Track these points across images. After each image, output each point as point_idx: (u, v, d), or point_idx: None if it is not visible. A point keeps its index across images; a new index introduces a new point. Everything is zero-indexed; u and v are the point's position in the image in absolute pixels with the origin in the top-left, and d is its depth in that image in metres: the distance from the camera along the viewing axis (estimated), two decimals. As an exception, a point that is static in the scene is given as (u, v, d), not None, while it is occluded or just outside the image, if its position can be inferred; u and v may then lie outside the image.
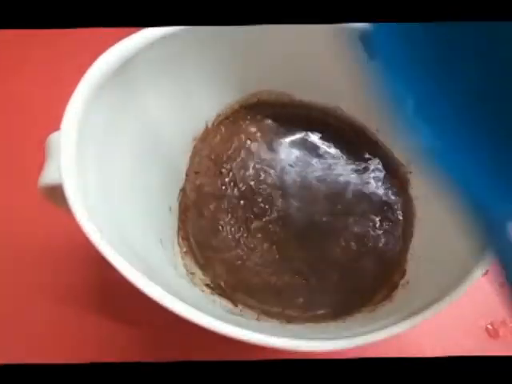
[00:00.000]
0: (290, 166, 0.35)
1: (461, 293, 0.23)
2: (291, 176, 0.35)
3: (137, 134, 0.28)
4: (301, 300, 0.31)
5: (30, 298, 0.35)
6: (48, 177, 0.24)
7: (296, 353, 0.22)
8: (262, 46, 0.30)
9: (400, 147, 0.34)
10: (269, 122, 0.36)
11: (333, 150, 0.36)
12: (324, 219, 0.34)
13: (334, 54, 0.30)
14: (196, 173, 0.35)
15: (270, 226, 0.33)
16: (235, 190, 0.34)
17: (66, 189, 0.22)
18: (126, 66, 0.26)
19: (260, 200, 0.34)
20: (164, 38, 0.26)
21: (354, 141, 0.36)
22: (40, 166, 0.25)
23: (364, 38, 0.27)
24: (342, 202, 0.34)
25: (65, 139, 0.23)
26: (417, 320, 0.23)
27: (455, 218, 0.28)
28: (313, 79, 0.33)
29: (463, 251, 0.25)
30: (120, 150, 0.27)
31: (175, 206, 0.33)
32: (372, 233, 0.33)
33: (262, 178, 0.35)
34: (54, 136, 0.25)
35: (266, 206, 0.34)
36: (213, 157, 0.35)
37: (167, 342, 0.34)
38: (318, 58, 0.31)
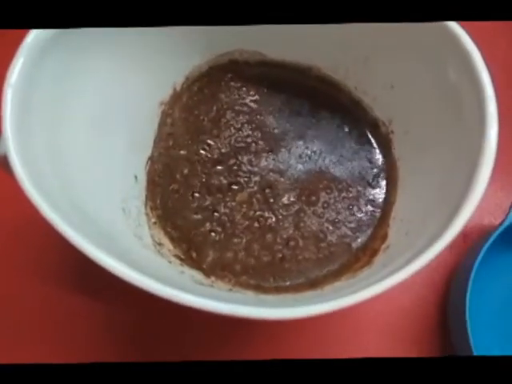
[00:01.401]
0: (273, 129, 0.33)
1: (437, 251, 0.21)
2: (273, 142, 0.33)
3: (92, 97, 0.27)
4: (277, 272, 0.30)
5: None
6: (2, 145, 0.23)
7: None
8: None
9: (380, 105, 0.32)
10: (243, 83, 0.34)
11: (312, 111, 0.34)
12: (303, 188, 0.32)
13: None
14: (169, 134, 0.33)
15: (249, 197, 0.31)
16: (214, 153, 0.32)
17: (10, 159, 0.21)
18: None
19: (241, 167, 0.32)
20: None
21: (332, 100, 0.34)
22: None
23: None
24: (323, 169, 0.32)
25: (6, 108, 0.21)
26: (394, 279, 0.21)
27: (437, 174, 0.27)
28: (286, 37, 0.31)
29: (444, 207, 0.23)
30: (74, 114, 0.25)
31: (142, 174, 0.31)
32: (354, 202, 0.32)
33: (243, 143, 0.33)
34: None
35: (247, 175, 0.32)
36: (191, 119, 0.33)
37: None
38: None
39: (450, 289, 0.35)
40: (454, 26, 0.23)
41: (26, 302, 0.34)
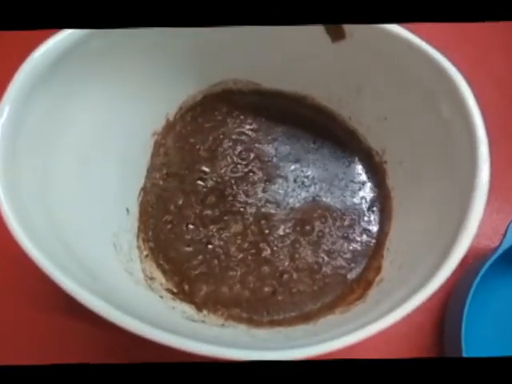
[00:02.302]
0: (272, 158, 0.33)
1: (431, 291, 0.21)
2: (270, 170, 0.33)
3: (83, 132, 0.26)
4: (271, 305, 0.29)
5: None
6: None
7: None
8: (222, 35, 0.28)
9: (374, 135, 0.32)
10: (239, 112, 0.34)
11: (312, 138, 0.33)
12: (298, 218, 0.31)
13: (301, 40, 0.28)
14: (162, 164, 0.32)
15: (244, 228, 0.31)
16: (210, 183, 0.32)
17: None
18: (67, 57, 0.24)
19: (237, 197, 0.32)
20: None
21: (327, 129, 0.33)
22: None
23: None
24: (316, 198, 0.32)
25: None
26: (388, 320, 0.21)
27: (431, 207, 0.27)
28: (280, 67, 0.31)
29: (438, 242, 0.23)
30: (64, 150, 0.25)
31: (134, 206, 0.30)
32: (348, 230, 0.31)
33: (240, 173, 0.32)
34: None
35: (242, 206, 0.32)
36: (186, 148, 0.33)
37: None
38: (284, 45, 0.29)
39: (445, 312, 0.34)
40: (448, 65, 0.23)
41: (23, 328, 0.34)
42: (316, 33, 0.26)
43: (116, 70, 0.27)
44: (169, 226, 0.31)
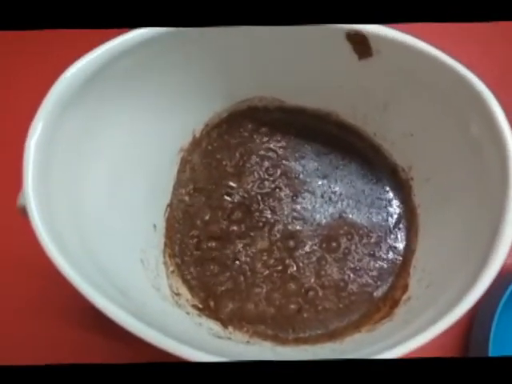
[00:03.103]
0: (299, 175, 0.33)
1: (462, 311, 0.20)
2: (298, 186, 0.33)
3: (113, 150, 0.27)
4: (296, 323, 0.29)
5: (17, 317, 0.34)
6: (22, 198, 0.23)
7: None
8: (249, 52, 0.28)
9: (399, 151, 0.31)
10: (265, 129, 0.34)
11: (332, 158, 0.34)
12: (325, 235, 0.31)
13: (326, 58, 0.28)
14: (189, 180, 0.33)
15: (270, 244, 0.31)
16: (236, 199, 0.32)
17: (29, 211, 0.21)
18: (98, 77, 0.24)
19: (263, 213, 0.32)
20: (141, 43, 0.25)
21: (352, 145, 0.33)
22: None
23: (351, 36, 0.26)
24: (343, 215, 0.32)
25: (28, 163, 0.22)
26: (419, 340, 0.20)
27: (459, 226, 0.26)
28: (305, 84, 0.31)
29: (468, 262, 0.23)
30: (94, 168, 0.26)
31: (161, 222, 0.31)
32: (375, 248, 0.31)
33: (267, 189, 0.33)
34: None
35: (270, 221, 0.32)
36: (213, 164, 0.33)
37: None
38: (310, 63, 0.29)
39: (471, 331, 0.33)
40: (477, 83, 0.23)
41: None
42: (342, 50, 0.26)
43: (144, 90, 0.27)
44: (195, 241, 0.31)
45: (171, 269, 0.30)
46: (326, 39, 0.26)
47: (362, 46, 0.26)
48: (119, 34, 0.24)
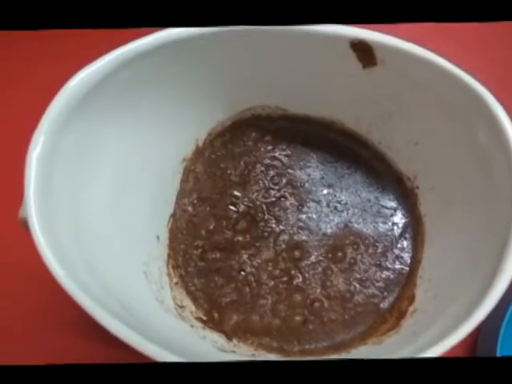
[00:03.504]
0: (304, 183, 0.33)
1: (472, 327, 0.20)
2: (303, 195, 0.32)
3: (116, 160, 0.27)
4: (302, 335, 0.29)
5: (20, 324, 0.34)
6: (24, 211, 0.23)
7: None
8: (251, 61, 0.28)
9: (404, 160, 0.31)
10: (269, 137, 0.34)
11: (337, 166, 0.33)
12: (330, 245, 0.31)
13: (330, 67, 0.28)
14: (192, 190, 0.32)
15: (275, 255, 0.31)
16: (241, 208, 0.32)
17: (30, 225, 0.21)
18: (98, 89, 0.24)
19: (268, 223, 0.32)
20: (140, 55, 0.24)
21: (356, 154, 0.33)
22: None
23: (356, 45, 0.26)
24: (349, 224, 0.32)
25: (29, 176, 0.22)
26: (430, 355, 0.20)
27: (465, 236, 0.26)
28: (308, 92, 0.31)
29: (475, 274, 0.23)
30: (96, 180, 0.25)
31: (164, 233, 0.30)
32: (381, 258, 0.31)
33: (272, 198, 0.32)
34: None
35: (275, 231, 0.31)
36: (218, 173, 0.33)
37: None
38: (313, 71, 0.28)
39: (479, 334, 0.33)
40: (484, 92, 0.23)
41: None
42: (346, 59, 0.26)
43: (147, 98, 0.27)
44: (199, 252, 0.31)
45: (175, 280, 0.30)
46: (330, 47, 0.26)
47: (366, 54, 0.26)
48: (123, 39, 0.24)
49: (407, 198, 0.32)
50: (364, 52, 0.26)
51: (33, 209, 0.21)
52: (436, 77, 0.24)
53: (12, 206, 0.25)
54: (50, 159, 0.22)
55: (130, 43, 0.24)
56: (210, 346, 0.26)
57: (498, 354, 0.29)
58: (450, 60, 0.24)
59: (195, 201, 0.32)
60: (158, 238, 0.30)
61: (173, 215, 0.31)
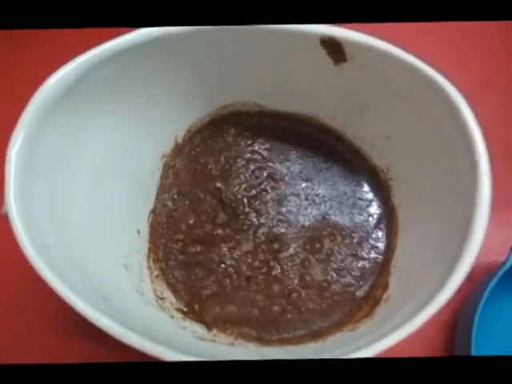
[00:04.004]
0: (280, 178, 0.33)
1: (436, 308, 0.21)
2: (283, 189, 0.33)
3: (96, 157, 0.27)
4: (280, 324, 0.30)
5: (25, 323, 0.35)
6: (5, 205, 0.23)
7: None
8: (226, 59, 0.29)
9: (378, 153, 0.32)
10: (248, 133, 0.35)
11: (315, 161, 0.34)
12: (308, 236, 0.32)
13: (302, 63, 0.29)
14: (173, 185, 0.33)
15: (255, 247, 0.32)
16: (222, 202, 0.33)
17: (11, 219, 0.22)
18: (78, 85, 0.24)
19: (248, 216, 0.32)
20: (120, 52, 0.25)
21: (333, 148, 0.34)
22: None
23: (325, 42, 0.27)
24: (326, 216, 0.32)
25: (9, 170, 0.22)
26: (395, 337, 0.21)
27: (434, 225, 0.27)
28: (283, 89, 0.32)
29: (441, 262, 0.23)
30: (76, 175, 0.26)
31: (144, 227, 0.31)
32: (357, 248, 0.32)
33: (254, 191, 0.33)
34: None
35: (254, 224, 0.32)
36: (198, 168, 0.34)
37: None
38: (286, 68, 0.29)
39: (456, 328, 0.34)
40: (446, 84, 0.24)
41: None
42: (317, 55, 0.27)
43: (125, 96, 0.28)
44: (179, 245, 0.32)
45: (155, 273, 0.30)
46: (301, 45, 0.27)
47: (336, 51, 0.27)
48: (104, 38, 0.25)
49: (381, 190, 0.33)
50: (334, 49, 0.26)
51: (12, 202, 0.22)
52: (403, 72, 0.25)
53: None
54: (30, 155, 0.23)
55: (108, 42, 0.24)
56: (189, 336, 0.27)
57: (473, 353, 0.30)
58: (417, 56, 0.25)
59: (175, 196, 0.33)
60: (138, 232, 0.30)
61: (153, 210, 0.32)
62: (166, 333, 0.25)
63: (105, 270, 0.25)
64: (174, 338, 0.25)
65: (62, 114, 0.24)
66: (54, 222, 0.24)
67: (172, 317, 0.28)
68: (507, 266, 0.31)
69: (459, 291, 0.32)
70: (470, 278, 0.34)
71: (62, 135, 0.25)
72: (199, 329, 0.28)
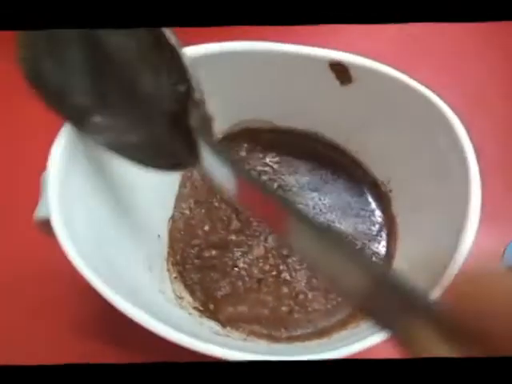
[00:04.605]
0: (289, 189, 0.36)
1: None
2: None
3: (124, 167, 0.30)
4: (288, 323, 0.32)
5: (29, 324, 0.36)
6: (41, 211, 0.26)
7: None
8: (240, 80, 0.32)
9: (378, 167, 0.35)
10: (260, 148, 0.37)
11: (322, 173, 0.37)
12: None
13: (311, 84, 0.31)
14: (189, 195, 0.36)
15: (265, 252, 0.34)
16: (234, 210, 0.35)
17: (53, 222, 0.24)
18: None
19: (257, 226, 0.35)
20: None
21: (337, 162, 0.37)
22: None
23: (334, 66, 0.29)
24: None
25: (51, 177, 0.25)
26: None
27: (430, 234, 0.29)
28: (293, 107, 0.34)
29: (437, 264, 0.26)
30: (107, 183, 0.29)
31: (164, 233, 0.34)
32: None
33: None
34: (46, 174, 0.26)
35: (264, 231, 0.35)
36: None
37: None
38: (296, 89, 0.32)
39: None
40: (441, 104, 0.27)
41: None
42: (325, 77, 0.30)
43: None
44: (196, 250, 0.34)
45: (174, 275, 0.33)
46: (310, 68, 0.30)
47: (343, 74, 0.30)
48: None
49: (382, 200, 0.35)
50: (341, 72, 0.29)
51: (55, 207, 0.24)
52: (402, 93, 0.28)
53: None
54: (69, 161, 0.25)
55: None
56: (207, 331, 0.29)
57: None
58: (416, 79, 0.28)
59: (192, 204, 0.36)
60: (159, 236, 0.33)
61: (172, 217, 0.35)
62: (186, 327, 0.28)
63: (133, 271, 0.28)
64: (194, 331, 0.28)
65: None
66: (89, 223, 0.26)
67: (190, 314, 0.30)
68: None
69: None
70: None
71: (95, 147, 0.28)
72: (215, 325, 0.31)
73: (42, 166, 0.26)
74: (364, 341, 0.23)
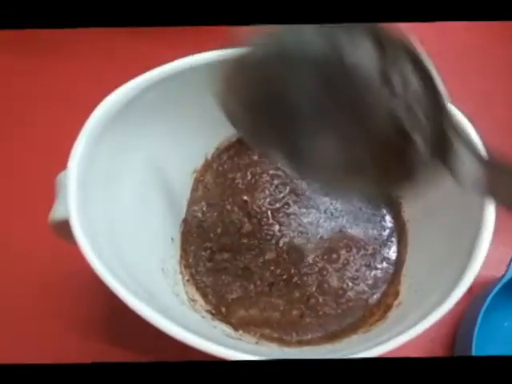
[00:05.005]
0: (302, 192, 0.36)
1: (443, 313, 0.24)
2: (305, 202, 0.36)
3: (139, 171, 0.31)
4: (299, 327, 0.33)
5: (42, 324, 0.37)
6: (57, 213, 0.27)
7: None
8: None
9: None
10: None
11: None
12: (326, 247, 0.35)
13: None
14: (202, 198, 0.36)
15: (277, 256, 0.35)
16: (247, 214, 0.36)
17: (73, 224, 0.25)
18: (128, 107, 0.28)
19: (272, 227, 0.35)
20: (164, 79, 0.29)
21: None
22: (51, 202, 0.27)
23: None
24: (342, 229, 0.35)
25: (71, 180, 0.25)
26: (408, 335, 0.24)
27: (442, 239, 0.30)
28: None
29: (449, 270, 0.26)
30: (123, 187, 0.29)
31: (177, 235, 0.34)
32: (371, 259, 0.35)
33: (277, 204, 0.36)
34: (61, 175, 0.27)
35: (277, 235, 0.35)
36: (227, 183, 0.37)
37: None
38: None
39: (455, 340, 0.37)
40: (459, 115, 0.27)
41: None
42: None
43: (164, 119, 0.31)
44: (208, 252, 0.35)
45: (186, 278, 0.33)
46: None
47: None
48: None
49: (393, 206, 0.35)
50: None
51: (73, 210, 0.25)
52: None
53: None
54: (87, 166, 0.26)
55: (156, 69, 0.28)
56: (219, 334, 0.29)
57: (474, 354, 0.32)
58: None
59: (204, 207, 0.36)
60: (172, 239, 0.33)
61: (184, 220, 0.35)
62: (199, 330, 0.28)
63: (147, 273, 0.29)
64: (207, 334, 0.28)
65: (113, 132, 0.28)
66: (106, 226, 0.27)
67: (203, 317, 0.31)
68: (504, 280, 0.33)
69: (459, 301, 0.34)
70: (469, 291, 0.37)
71: (112, 151, 0.28)
72: (227, 329, 0.31)
73: (55, 168, 0.27)
74: (371, 350, 0.24)
